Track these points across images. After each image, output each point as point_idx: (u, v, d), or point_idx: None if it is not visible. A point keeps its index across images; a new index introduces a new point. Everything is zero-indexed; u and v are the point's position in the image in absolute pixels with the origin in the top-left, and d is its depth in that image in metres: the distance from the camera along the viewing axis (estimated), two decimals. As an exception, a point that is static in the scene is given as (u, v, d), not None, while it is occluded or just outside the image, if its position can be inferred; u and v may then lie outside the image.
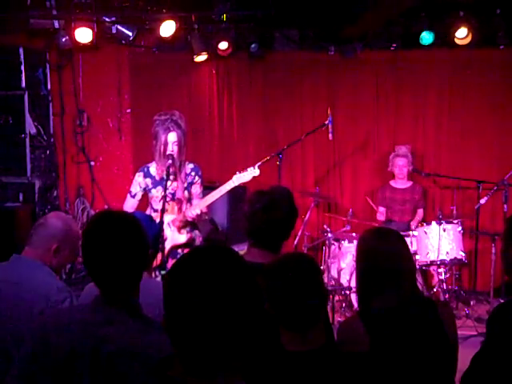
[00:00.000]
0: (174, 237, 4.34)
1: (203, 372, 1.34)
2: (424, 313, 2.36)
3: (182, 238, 4.33)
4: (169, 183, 4.23)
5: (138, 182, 4.50)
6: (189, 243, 4.38)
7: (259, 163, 5.62)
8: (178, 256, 4.29)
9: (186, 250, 4.40)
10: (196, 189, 4.45)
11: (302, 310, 1.98)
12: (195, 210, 4.30)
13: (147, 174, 4.50)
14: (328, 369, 1.94)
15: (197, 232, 4.51)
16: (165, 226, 4.35)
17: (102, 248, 1.93)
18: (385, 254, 2.37)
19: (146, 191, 4.52)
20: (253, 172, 4.38)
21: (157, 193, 4.45)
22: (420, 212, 6.51)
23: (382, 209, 6.52)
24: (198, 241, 4.52)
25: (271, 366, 1.95)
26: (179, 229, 4.36)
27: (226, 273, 1.35)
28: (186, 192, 4.44)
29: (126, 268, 1.94)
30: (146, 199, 4.58)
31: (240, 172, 4.37)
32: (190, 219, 4.33)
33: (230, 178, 4.46)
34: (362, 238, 2.53)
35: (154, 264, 4.31)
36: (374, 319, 2.31)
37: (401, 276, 2.36)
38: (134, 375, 1.77)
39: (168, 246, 4.23)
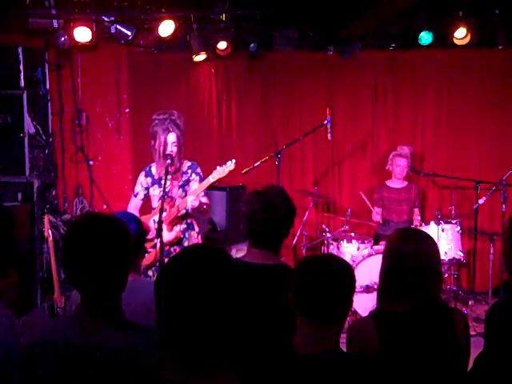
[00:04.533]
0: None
1: (197, 372, 1.35)
2: (437, 320, 2.32)
3: (170, 235, 4.33)
4: (167, 183, 4.24)
5: (140, 181, 4.60)
6: (176, 241, 4.38)
7: (257, 163, 5.65)
8: (168, 254, 4.30)
9: (176, 248, 4.40)
10: (194, 186, 4.45)
11: (328, 295, 1.98)
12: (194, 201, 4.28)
13: (148, 174, 4.57)
14: (338, 373, 1.93)
15: (190, 232, 4.51)
16: (151, 223, 4.37)
17: (83, 252, 1.85)
18: (406, 255, 2.32)
19: (148, 190, 4.57)
20: (229, 166, 4.33)
21: (153, 191, 4.51)
22: (416, 211, 6.52)
23: (378, 209, 6.51)
24: (192, 241, 4.50)
25: (280, 369, 1.95)
26: (170, 226, 4.36)
27: (215, 271, 1.35)
28: (180, 190, 4.46)
29: (109, 274, 1.87)
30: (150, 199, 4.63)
31: (220, 166, 4.34)
32: (190, 211, 4.32)
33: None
34: (388, 238, 2.49)
35: (147, 262, 4.34)
36: (386, 321, 2.29)
37: (424, 277, 2.30)
38: (125, 381, 1.76)
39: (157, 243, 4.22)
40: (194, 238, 4.54)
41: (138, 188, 4.59)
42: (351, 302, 2.09)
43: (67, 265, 1.90)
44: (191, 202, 4.26)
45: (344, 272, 2.06)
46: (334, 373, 1.93)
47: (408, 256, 2.32)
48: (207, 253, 1.40)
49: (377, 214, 6.40)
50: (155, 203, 4.52)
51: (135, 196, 4.61)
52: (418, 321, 2.28)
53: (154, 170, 4.55)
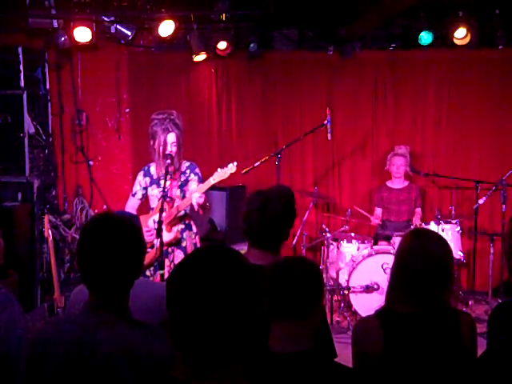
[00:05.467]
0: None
1: (206, 372, 1.35)
2: (443, 322, 2.30)
3: (169, 235, 4.32)
4: (166, 183, 4.23)
5: (139, 180, 4.59)
6: (174, 242, 4.37)
7: (257, 163, 5.65)
8: (166, 254, 4.30)
9: (173, 249, 4.40)
10: (192, 186, 4.45)
11: (291, 295, 1.96)
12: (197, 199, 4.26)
13: (147, 173, 4.56)
14: (312, 373, 1.91)
15: (187, 232, 4.50)
16: (151, 223, 4.36)
17: (98, 252, 1.89)
18: (418, 255, 2.30)
19: (146, 190, 4.56)
20: (230, 169, 4.31)
21: (152, 191, 4.50)
22: (418, 211, 6.52)
23: (378, 210, 6.52)
24: (190, 241, 4.50)
25: (256, 367, 1.94)
26: (169, 226, 4.36)
27: (228, 273, 1.35)
28: (178, 191, 4.46)
29: (122, 274, 1.91)
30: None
31: (221, 168, 4.32)
32: (195, 207, 4.29)
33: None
34: (402, 237, 2.47)
35: (145, 262, 4.30)
36: (391, 321, 2.28)
37: (434, 278, 2.28)
38: (132, 378, 1.77)
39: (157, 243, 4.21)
40: (192, 238, 4.53)
41: (137, 188, 4.59)
42: (318, 301, 2.07)
43: (82, 263, 1.94)
44: (196, 198, 4.22)
45: (306, 274, 2.03)
46: (308, 372, 1.92)
47: (419, 256, 2.30)
48: (220, 253, 1.40)
49: (375, 219, 6.41)
50: (153, 203, 4.51)
51: (133, 196, 4.60)
52: (423, 322, 2.27)
53: (152, 169, 4.55)
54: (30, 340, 1.94)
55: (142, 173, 4.60)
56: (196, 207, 4.29)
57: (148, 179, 4.55)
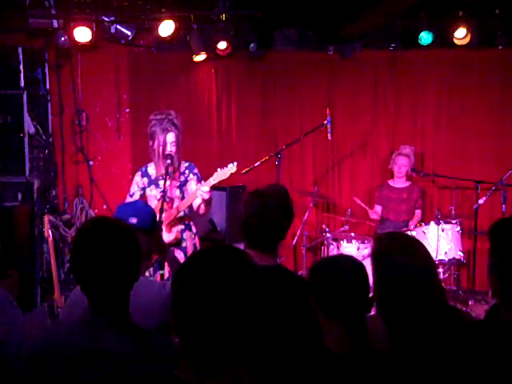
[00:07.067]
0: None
1: (211, 371, 1.35)
2: (445, 319, 2.33)
3: (169, 236, 4.31)
4: (165, 183, 4.22)
5: (136, 181, 4.56)
6: (175, 242, 4.36)
7: (257, 163, 5.66)
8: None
9: (173, 249, 4.39)
10: (191, 186, 4.44)
11: (346, 294, 2.01)
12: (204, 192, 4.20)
13: (145, 174, 4.55)
14: (377, 370, 1.95)
15: (187, 233, 4.49)
16: None
17: (93, 257, 1.85)
18: (398, 257, 2.34)
19: (144, 190, 4.55)
20: (231, 169, 4.25)
21: (150, 192, 4.49)
22: (418, 213, 6.51)
23: (378, 207, 6.53)
24: (190, 242, 4.49)
25: (319, 370, 1.95)
26: (169, 227, 4.35)
27: (234, 272, 1.36)
28: (177, 191, 4.45)
29: (118, 279, 1.87)
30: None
31: (221, 169, 4.28)
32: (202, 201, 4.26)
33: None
34: (374, 241, 2.53)
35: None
36: (394, 320, 2.30)
37: (420, 277, 2.32)
38: None
39: None
40: (192, 238, 4.52)
41: (134, 188, 4.56)
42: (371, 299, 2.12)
43: (76, 270, 1.91)
44: (203, 193, 4.11)
45: (363, 272, 2.11)
46: (373, 370, 1.95)
47: (402, 261, 2.34)
48: (226, 253, 1.41)
49: (373, 213, 6.42)
50: (152, 204, 4.49)
51: (131, 196, 4.57)
52: (427, 320, 2.29)
53: (150, 170, 4.53)
54: (32, 344, 1.92)
55: (139, 173, 4.58)
56: (201, 199, 4.17)
57: (146, 180, 4.54)
